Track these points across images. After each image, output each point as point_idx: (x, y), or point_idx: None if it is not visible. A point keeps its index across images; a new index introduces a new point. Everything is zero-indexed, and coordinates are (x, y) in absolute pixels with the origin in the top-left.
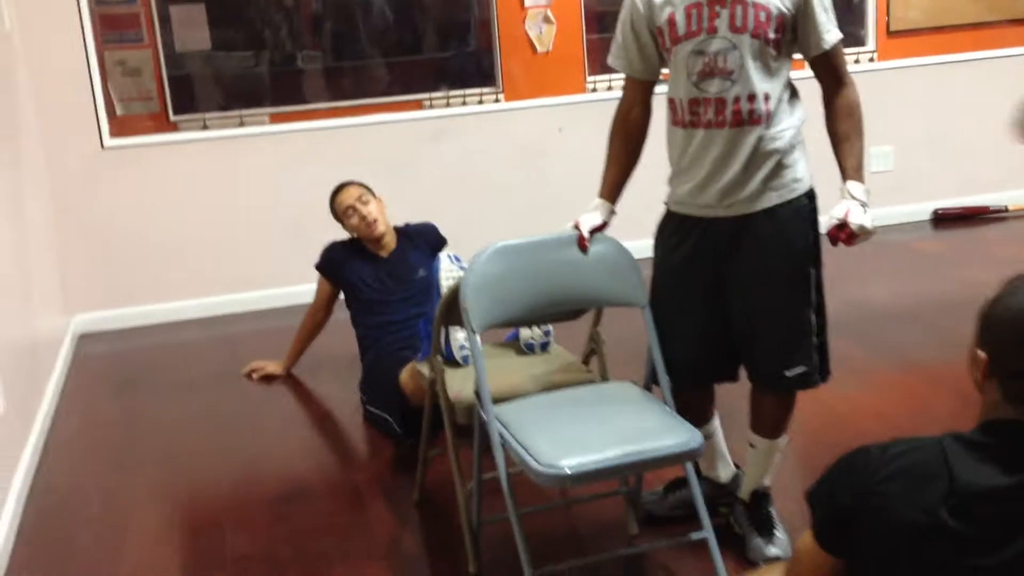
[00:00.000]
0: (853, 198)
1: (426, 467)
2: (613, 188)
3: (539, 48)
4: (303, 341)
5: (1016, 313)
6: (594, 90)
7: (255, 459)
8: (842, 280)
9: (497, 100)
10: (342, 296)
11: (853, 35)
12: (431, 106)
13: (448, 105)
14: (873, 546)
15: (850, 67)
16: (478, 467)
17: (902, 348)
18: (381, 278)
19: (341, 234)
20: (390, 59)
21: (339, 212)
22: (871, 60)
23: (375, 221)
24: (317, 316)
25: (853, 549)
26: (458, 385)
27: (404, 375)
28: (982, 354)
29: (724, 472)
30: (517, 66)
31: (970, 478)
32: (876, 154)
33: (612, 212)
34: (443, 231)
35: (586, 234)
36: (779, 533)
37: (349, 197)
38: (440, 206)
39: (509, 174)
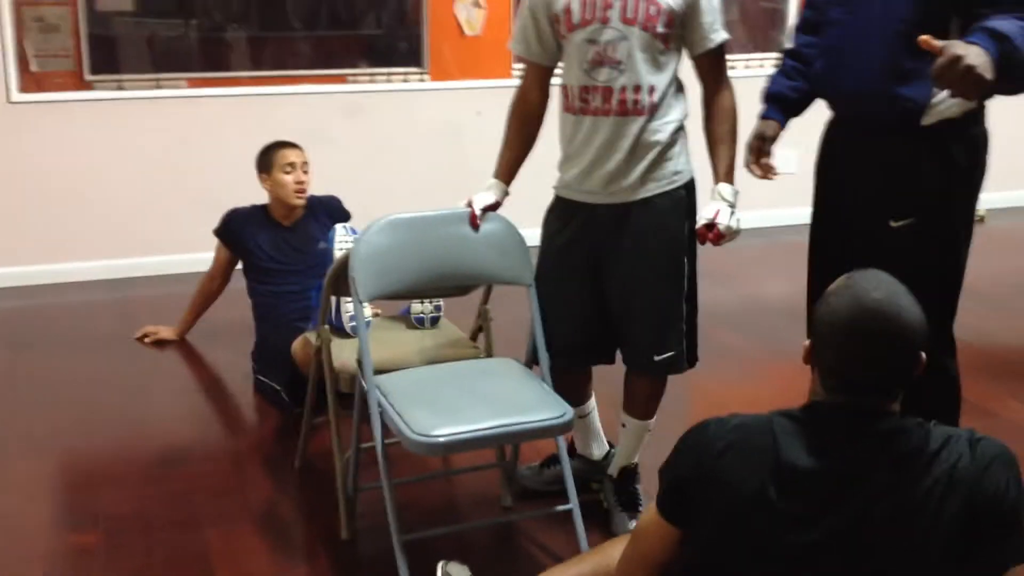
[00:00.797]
0: (723, 199)
1: (309, 435)
2: (508, 169)
3: (467, 31)
4: (198, 307)
5: (831, 316)
6: (520, 76)
7: (138, 421)
8: (740, 276)
9: (422, 80)
10: (240, 265)
11: (773, 40)
12: (354, 80)
13: (372, 81)
14: (709, 517)
15: (762, 70)
16: (356, 435)
17: (787, 341)
18: (281, 247)
19: (247, 203)
20: (317, 32)
21: (275, 163)
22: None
23: (305, 192)
24: (213, 283)
25: (692, 520)
26: (345, 355)
27: (296, 345)
28: (807, 343)
29: (597, 450)
30: (445, 47)
31: (790, 456)
32: (781, 157)
33: (505, 193)
34: (354, 206)
35: (478, 212)
36: (643, 510)
37: (296, 155)
38: (353, 180)
39: (425, 153)
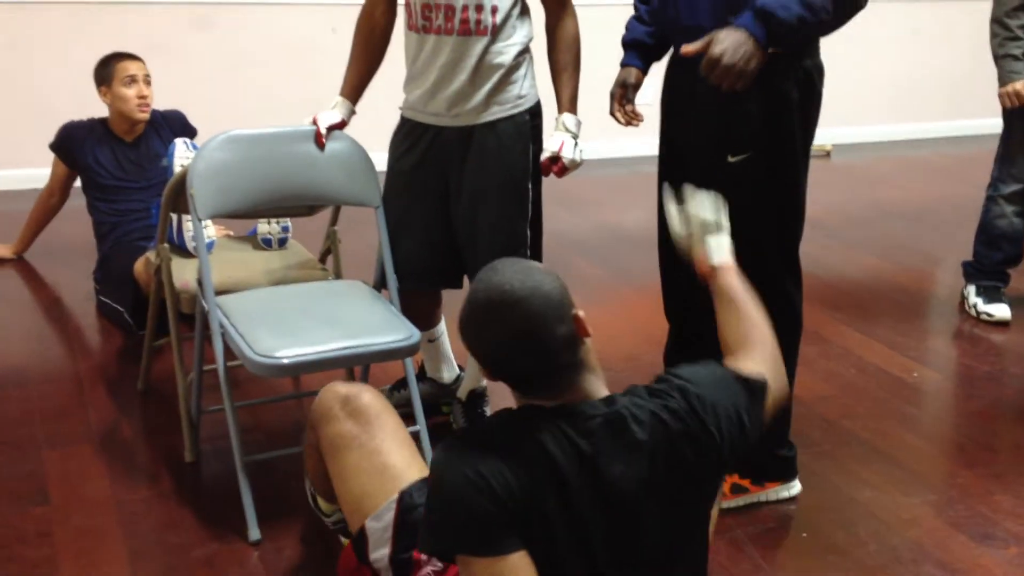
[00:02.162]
0: (566, 130)
1: (152, 357)
2: (354, 88)
3: None
4: (36, 224)
5: (464, 314)
6: None
7: None
8: (599, 205)
9: None
10: (79, 181)
11: None
12: None
13: None
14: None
15: None
16: (199, 357)
17: (642, 272)
18: (122, 164)
19: (82, 116)
20: None
21: (115, 76)
22: None
23: (148, 107)
24: (51, 199)
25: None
26: (187, 275)
27: (138, 265)
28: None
29: (447, 374)
30: None
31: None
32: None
33: (352, 111)
34: (202, 123)
35: (323, 130)
36: None
37: (137, 68)
38: (201, 96)
39: (277, 70)
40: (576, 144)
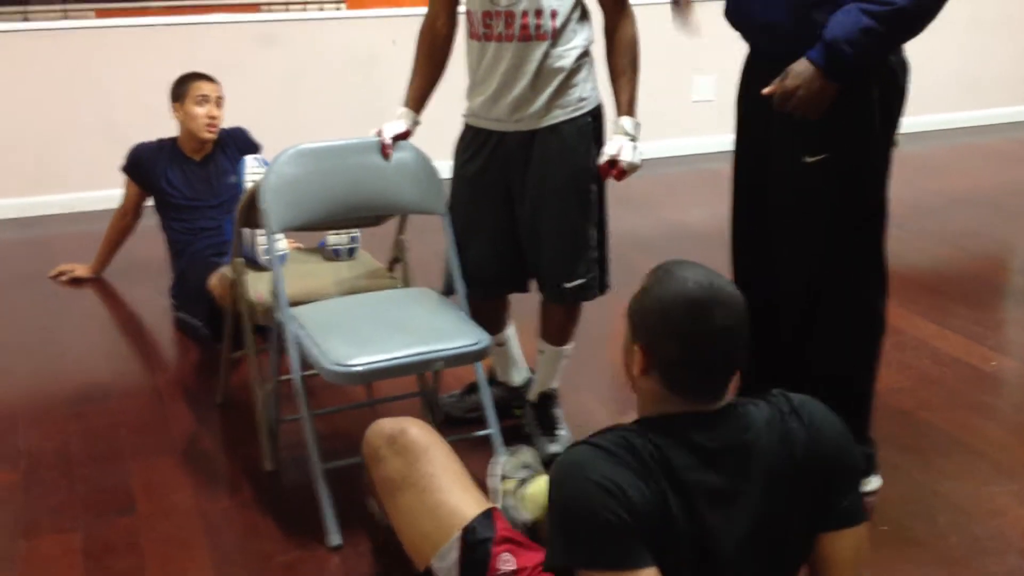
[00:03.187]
0: (625, 133)
1: (230, 369)
2: (417, 98)
3: None
4: (111, 244)
5: (664, 303)
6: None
7: (56, 359)
8: (660, 203)
9: (338, 8)
10: (152, 201)
11: None
12: (268, 9)
13: (287, 9)
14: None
15: None
16: (275, 368)
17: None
18: (192, 183)
19: (154, 137)
20: None
21: (189, 94)
22: None
23: (216, 128)
24: (125, 219)
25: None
26: (261, 287)
27: (213, 279)
28: (638, 349)
29: (518, 377)
30: None
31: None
32: (699, 84)
33: (416, 121)
34: (268, 138)
35: (388, 141)
36: (561, 432)
37: (211, 89)
38: (267, 112)
39: (340, 83)
40: (635, 147)
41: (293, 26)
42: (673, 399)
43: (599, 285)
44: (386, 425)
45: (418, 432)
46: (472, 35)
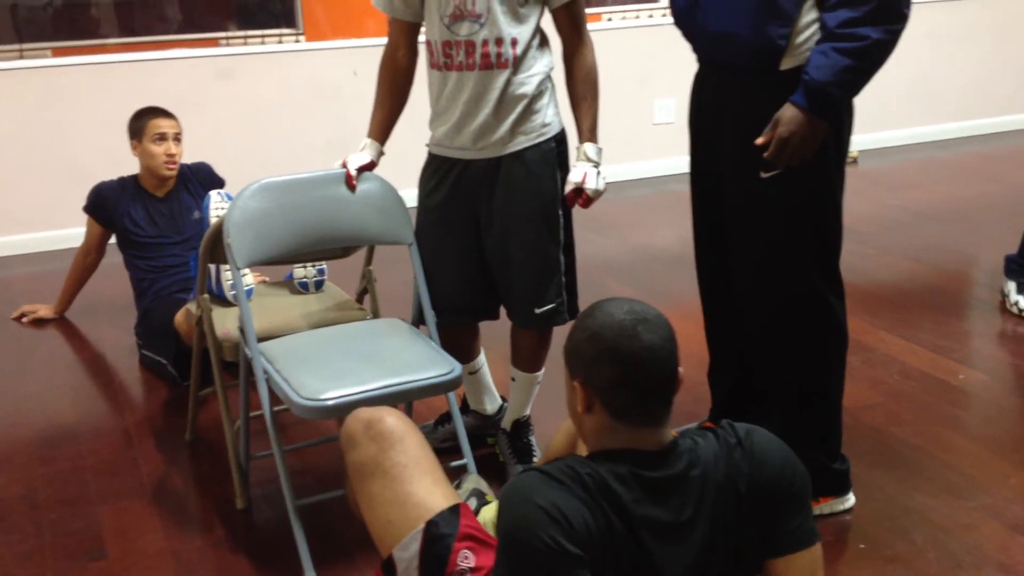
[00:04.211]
0: (588, 160)
1: (198, 407)
2: (381, 129)
3: None
4: (74, 284)
5: (592, 330)
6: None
7: (21, 401)
8: (628, 226)
9: (297, 40)
10: (114, 239)
11: None
12: (227, 44)
13: (245, 43)
14: None
15: (638, 21)
16: (245, 404)
17: (675, 291)
18: (155, 220)
19: (116, 174)
20: None
21: (146, 132)
22: (651, 16)
23: (175, 165)
24: (88, 258)
25: None
26: (228, 323)
27: (179, 317)
28: (577, 386)
29: (490, 405)
30: (318, 7)
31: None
32: (659, 107)
33: (380, 152)
34: (231, 172)
35: (353, 172)
36: (537, 460)
37: (168, 125)
38: (229, 146)
39: (302, 115)
40: (599, 173)
41: (252, 59)
42: (619, 429)
43: (568, 310)
44: (364, 412)
45: (394, 421)
46: (432, 65)
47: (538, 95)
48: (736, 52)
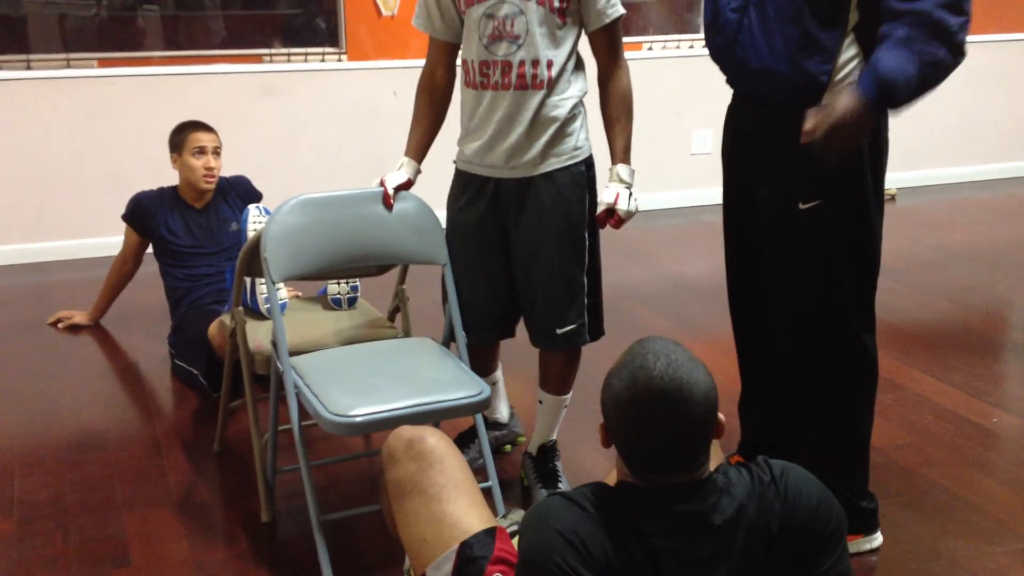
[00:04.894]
0: (621, 181)
1: (227, 419)
2: (419, 147)
3: (384, 11)
4: (111, 291)
5: (616, 400)
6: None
7: (52, 406)
8: (660, 255)
9: (340, 60)
10: (151, 248)
11: (690, 22)
12: (270, 60)
13: (289, 61)
14: None
15: (678, 51)
16: (274, 417)
17: (707, 322)
18: (192, 231)
19: (156, 185)
20: (232, 11)
21: (186, 145)
22: (691, 47)
23: (214, 179)
24: (125, 267)
25: None
26: (260, 336)
27: (212, 328)
28: (603, 429)
29: (505, 411)
30: (362, 27)
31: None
32: (696, 137)
33: (418, 171)
34: (270, 188)
35: (391, 191)
36: (562, 485)
37: (208, 139)
38: (269, 162)
39: (342, 134)
40: (631, 195)
41: (294, 76)
42: (629, 474)
43: (590, 331)
44: (407, 431)
45: (436, 442)
46: (468, 84)
47: (571, 118)
48: (776, 88)
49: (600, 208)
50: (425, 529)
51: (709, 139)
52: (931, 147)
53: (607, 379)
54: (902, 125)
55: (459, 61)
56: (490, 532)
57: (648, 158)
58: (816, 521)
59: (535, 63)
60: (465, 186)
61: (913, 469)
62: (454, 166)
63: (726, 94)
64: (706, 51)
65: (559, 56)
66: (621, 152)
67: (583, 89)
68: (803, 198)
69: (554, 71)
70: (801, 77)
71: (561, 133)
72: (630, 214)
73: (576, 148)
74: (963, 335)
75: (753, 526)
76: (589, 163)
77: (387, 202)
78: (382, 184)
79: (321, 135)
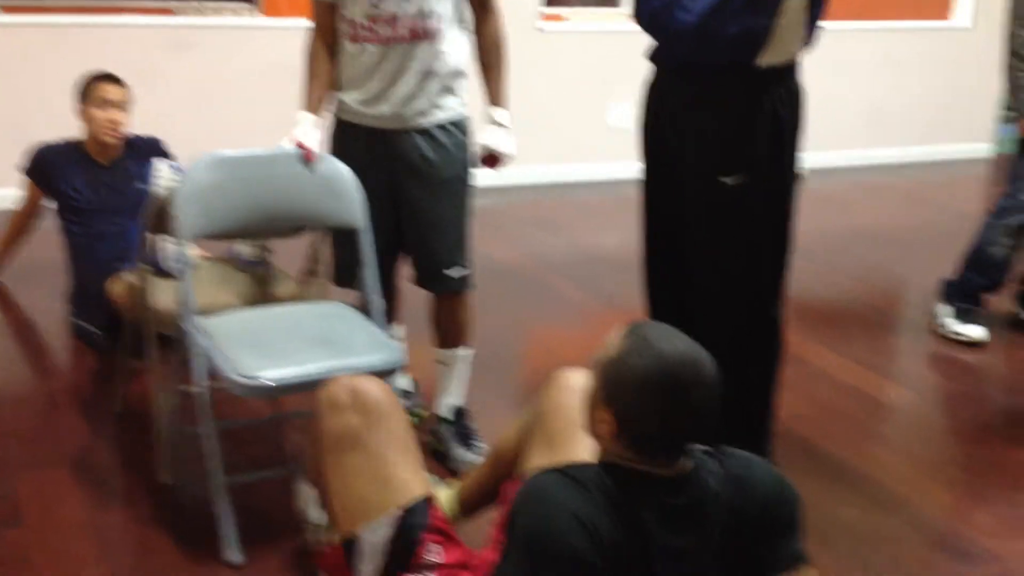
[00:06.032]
0: (498, 124)
1: (128, 379)
2: (318, 103)
3: None
4: (8, 246)
5: (642, 378)
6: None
7: None
8: (576, 227)
9: (252, 15)
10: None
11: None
12: (181, 13)
13: (200, 14)
14: None
15: (598, 25)
16: (178, 378)
17: (620, 293)
18: (97, 188)
19: (62, 136)
20: None
21: (92, 96)
22: (612, 21)
23: (118, 134)
24: (25, 221)
25: None
26: (166, 296)
27: (115, 285)
28: (608, 415)
29: (407, 381)
30: None
31: (607, 527)
32: (614, 111)
33: (319, 126)
34: (181, 146)
35: (311, 146)
36: (479, 443)
37: (115, 92)
38: (181, 119)
39: (257, 93)
40: (507, 136)
41: (208, 33)
42: (638, 460)
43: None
44: (351, 380)
45: (382, 395)
46: (352, 38)
47: (457, 73)
48: (714, 48)
49: (479, 149)
50: (365, 487)
51: (626, 112)
52: (842, 130)
53: (619, 362)
54: (814, 108)
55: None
56: (427, 500)
57: (565, 131)
58: (775, 510)
59: (422, 16)
60: (352, 137)
61: (813, 440)
62: (335, 117)
63: (643, 67)
64: (627, 25)
65: (445, 10)
66: (497, 95)
67: (467, 46)
68: (726, 172)
69: (441, 24)
70: (742, 33)
71: (447, 87)
72: (507, 156)
73: (462, 103)
74: (864, 312)
75: (726, 518)
76: (468, 121)
77: (311, 157)
78: (299, 145)
79: (235, 93)
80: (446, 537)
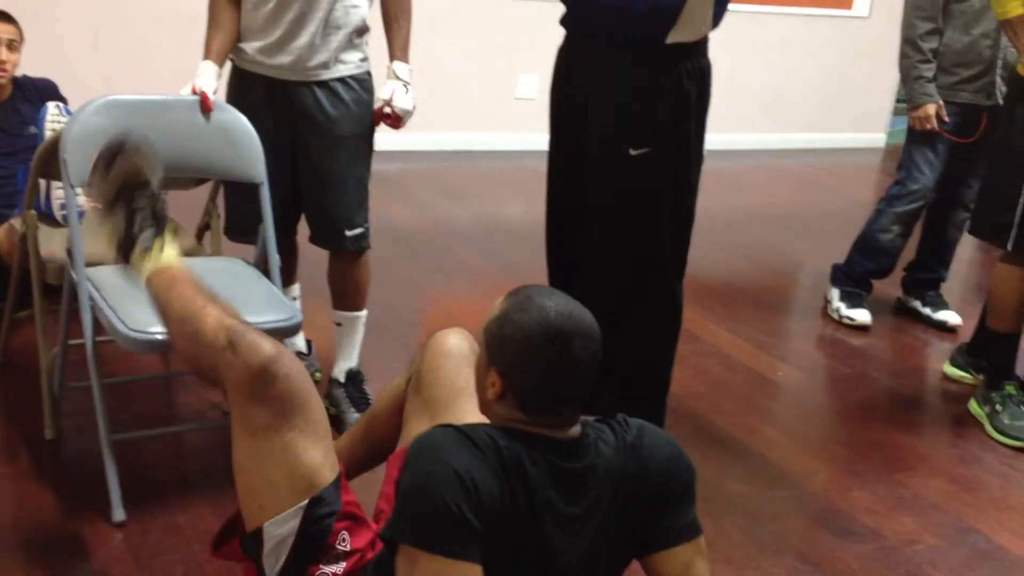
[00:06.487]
0: (398, 78)
1: (12, 330)
2: (220, 53)
3: None
4: None
5: (525, 331)
6: None
7: None
8: (479, 196)
9: None
10: None
11: None
12: None
13: None
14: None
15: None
16: (65, 330)
17: (520, 262)
18: None
19: None
20: None
21: None
22: None
23: (5, 72)
24: None
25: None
26: (54, 244)
27: (0, 232)
28: (495, 375)
29: (302, 342)
30: None
31: (491, 489)
32: (522, 81)
33: (219, 76)
34: (75, 90)
35: (209, 93)
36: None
37: (3, 29)
38: (75, 62)
39: (155, 37)
40: (408, 92)
41: None
42: (528, 421)
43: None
44: (271, 347)
45: (300, 379)
46: None
47: (362, 29)
48: (625, 23)
49: (376, 105)
50: (273, 473)
51: (535, 84)
52: (740, 113)
53: (502, 318)
54: (714, 91)
55: None
56: (337, 484)
57: (473, 100)
58: (669, 478)
59: None
60: (250, 86)
61: (703, 416)
62: (232, 64)
63: (555, 40)
64: None
65: None
66: (399, 50)
67: (371, 3)
68: (633, 144)
69: None
70: (654, 11)
71: (351, 39)
72: (407, 112)
73: (363, 59)
74: (757, 292)
75: (617, 483)
76: (370, 76)
77: (208, 106)
78: (196, 92)
79: (133, 37)
80: (356, 521)
